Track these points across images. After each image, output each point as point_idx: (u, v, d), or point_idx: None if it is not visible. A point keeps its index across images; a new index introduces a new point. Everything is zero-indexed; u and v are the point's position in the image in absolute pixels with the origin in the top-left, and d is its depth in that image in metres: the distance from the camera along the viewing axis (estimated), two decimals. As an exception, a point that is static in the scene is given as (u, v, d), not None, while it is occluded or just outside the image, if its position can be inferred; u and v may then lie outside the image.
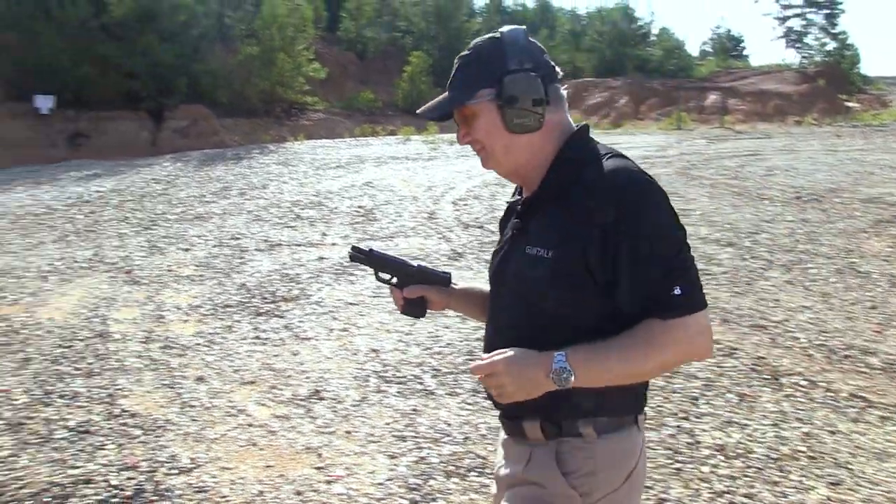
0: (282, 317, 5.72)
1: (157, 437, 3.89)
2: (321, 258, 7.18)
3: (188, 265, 7.22)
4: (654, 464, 3.56)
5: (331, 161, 13.95)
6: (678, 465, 3.55)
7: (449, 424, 3.98)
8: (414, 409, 4.15)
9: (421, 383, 4.50)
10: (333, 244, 7.82)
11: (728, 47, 48.29)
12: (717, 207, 9.48)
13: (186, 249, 7.80)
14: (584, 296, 1.52)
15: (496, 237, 1.88)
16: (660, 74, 36.23)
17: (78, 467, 3.60)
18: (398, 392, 4.39)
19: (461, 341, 5.15)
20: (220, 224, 8.92)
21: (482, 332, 1.79)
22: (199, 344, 5.24)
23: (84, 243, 8.25)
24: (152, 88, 20.43)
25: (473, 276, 6.60)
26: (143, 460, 3.64)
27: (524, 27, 1.67)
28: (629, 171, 1.53)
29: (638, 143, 17.20)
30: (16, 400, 4.38)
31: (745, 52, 49.14)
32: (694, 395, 4.35)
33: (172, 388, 4.54)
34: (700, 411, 4.12)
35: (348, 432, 3.90)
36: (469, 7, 40.05)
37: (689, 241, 1.54)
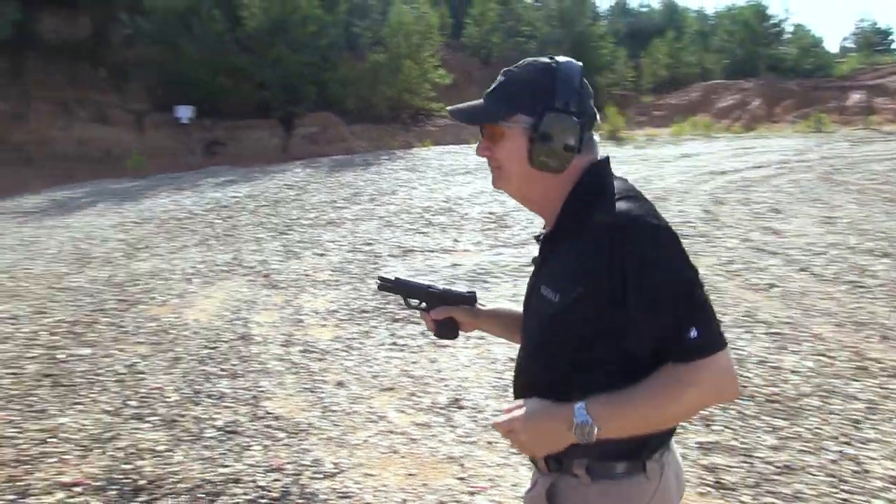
0: (418, 323, 5.73)
1: (300, 440, 3.96)
2: (455, 265, 7.19)
3: (324, 270, 7.38)
4: (815, 491, 3.33)
5: (458, 167, 14.04)
6: (844, 496, 3.29)
7: (592, 439, 3.85)
8: (554, 422, 4.04)
9: (560, 395, 4.39)
10: (466, 250, 7.82)
11: (874, 42, 45.65)
12: (868, 215, 8.90)
13: (321, 254, 7.99)
14: (591, 335, 1.49)
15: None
16: (795, 74, 34.66)
17: (227, 466, 3.71)
18: (537, 403, 4.30)
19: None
20: (352, 229, 9.10)
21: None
22: (337, 349, 5.33)
23: (223, 247, 8.58)
24: (282, 98, 21.17)
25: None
26: (288, 463, 3.71)
27: (581, 64, 1.60)
28: (637, 214, 1.46)
29: (773, 147, 16.46)
30: (168, 398, 4.57)
31: (893, 47, 46.37)
32: (856, 417, 4.05)
33: (313, 392, 4.62)
34: (865, 436, 3.83)
35: (490, 443, 3.85)
36: (593, 10, 39.49)
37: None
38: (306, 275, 7.25)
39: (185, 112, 19.89)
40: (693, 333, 1.40)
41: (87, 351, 5.47)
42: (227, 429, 4.13)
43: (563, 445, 1.47)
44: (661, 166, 13.69)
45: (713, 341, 1.41)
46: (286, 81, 21.11)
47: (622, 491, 1.53)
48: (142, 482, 3.55)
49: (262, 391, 4.64)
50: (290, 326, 5.84)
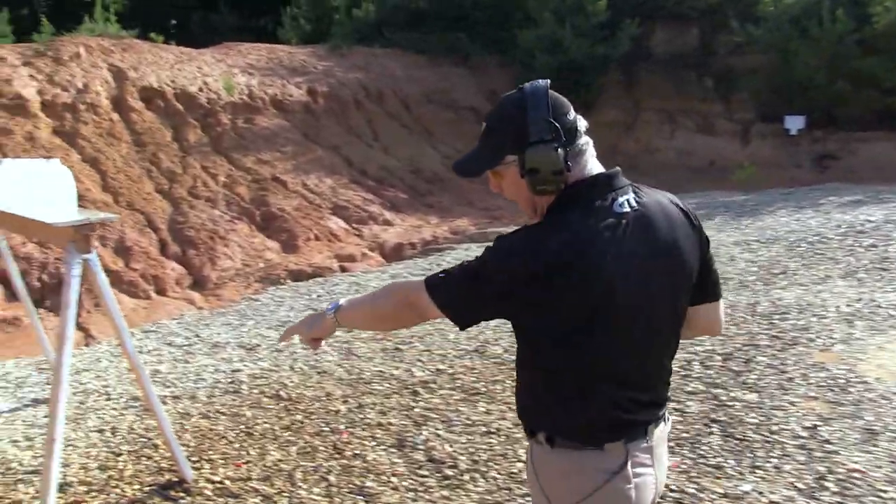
0: None
1: None
2: None
3: None
4: None
5: None
6: None
7: None
8: None
9: None
10: None
11: None
12: None
13: None
14: None
15: None
16: None
17: None
18: None
19: None
20: None
21: None
22: None
23: (880, 284, 7.19)
24: (911, 106, 18.34)
25: None
26: None
27: (546, 83, 1.78)
28: (513, 235, 1.78)
29: None
30: (883, 491, 3.55)
31: None
32: None
33: None
34: None
35: None
36: None
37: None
38: None
39: (794, 122, 18.50)
40: (441, 274, 1.83)
41: (751, 397, 4.77)
42: None
43: (329, 327, 2.03)
44: None
45: (436, 284, 1.81)
46: (918, 88, 18.22)
47: (580, 458, 1.78)
48: None
49: None
50: None
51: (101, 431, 4.76)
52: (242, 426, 4.68)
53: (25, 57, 11.82)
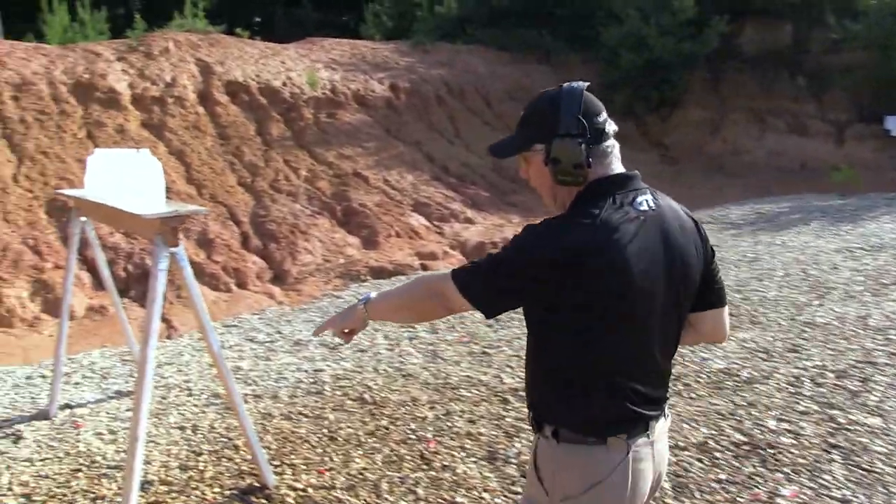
0: None
1: None
2: None
3: None
4: None
5: None
6: None
7: None
8: None
9: None
10: None
11: None
12: None
13: None
14: None
15: None
16: None
17: None
18: None
19: None
20: None
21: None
22: None
23: None
24: None
25: None
26: None
27: (585, 85, 1.89)
28: (539, 225, 1.82)
29: None
30: None
31: None
32: None
33: None
34: None
35: None
36: None
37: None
38: None
39: (895, 123, 17.54)
40: (469, 266, 1.87)
41: (875, 421, 4.36)
42: None
43: (360, 319, 2.08)
44: None
45: (462, 277, 1.85)
46: None
47: (582, 456, 1.84)
48: None
49: None
50: None
51: (182, 429, 4.66)
52: (325, 430, 4.51)
53: (119, 52, 12.02)
